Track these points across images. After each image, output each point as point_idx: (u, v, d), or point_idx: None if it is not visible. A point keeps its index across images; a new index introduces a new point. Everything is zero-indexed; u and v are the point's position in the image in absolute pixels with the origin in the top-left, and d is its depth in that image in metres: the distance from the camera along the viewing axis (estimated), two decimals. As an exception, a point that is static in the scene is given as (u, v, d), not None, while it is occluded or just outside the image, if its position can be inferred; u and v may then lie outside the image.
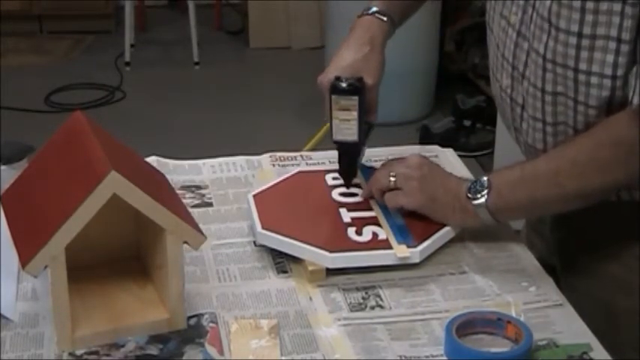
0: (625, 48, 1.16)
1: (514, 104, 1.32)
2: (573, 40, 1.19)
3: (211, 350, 1.09)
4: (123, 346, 1.10)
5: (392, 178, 1.31)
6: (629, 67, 1.17)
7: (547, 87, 1.25)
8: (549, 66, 1.23)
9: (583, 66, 1.19)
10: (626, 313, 1.29)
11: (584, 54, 1.19)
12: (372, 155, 1.57)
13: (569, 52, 1.20)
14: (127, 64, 4.81)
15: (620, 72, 1.17)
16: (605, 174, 1.20)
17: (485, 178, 1.26)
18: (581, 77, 1.20)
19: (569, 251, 1.38)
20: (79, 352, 1.09)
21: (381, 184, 1.33)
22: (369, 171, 1.47)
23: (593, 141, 1.20)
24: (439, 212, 1.29)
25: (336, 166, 1.53)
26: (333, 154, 1.60)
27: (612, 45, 1.16)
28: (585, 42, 1.18)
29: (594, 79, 1.19)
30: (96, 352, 1.09)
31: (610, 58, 1.17)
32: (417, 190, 1.29)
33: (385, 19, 1.43)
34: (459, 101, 3.96)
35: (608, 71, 1.18)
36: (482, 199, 1.24)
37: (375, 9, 1.44)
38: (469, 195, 1.26)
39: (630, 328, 1.29)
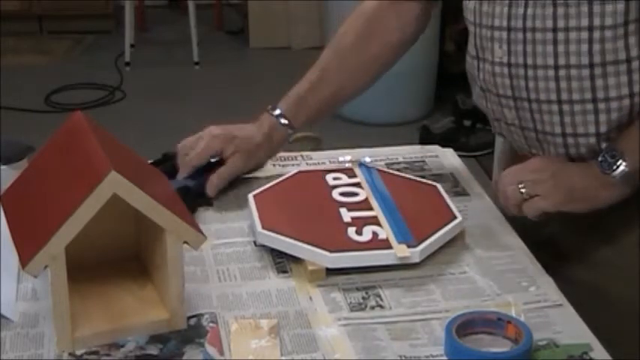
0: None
1: (514, 68, 1.30)
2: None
3: (211, 350, 1.09)
4: (123, 346, 1.10)
5: (522, 190, 1.29)
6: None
7: (559, 24, 1.24)
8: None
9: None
10: (626, 302, 1.29)
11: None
12: (373, 155, 1.57)
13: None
14: (127, 64, 4.81)
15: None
16: None
17: (610, 148, 1.24)
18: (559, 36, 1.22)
19: (568, 238, 1.38)
20: (79, 352, 1.09)
21: (515, 199, 1.30)
22: (370, 171, 1.47)
23: None
24: (584, 201, 1.27)
25: (337, 166, 1.53)
26: (333, 154, 1.61)
27: None
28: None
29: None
30: (96, 352, 1.09)
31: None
32: (552, 189, 1.27)
33: (286, 122, 1.49)
34: (459, 101, 3.96)
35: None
36: (622, 167, 1.23)
37: (278, 112, 1.51)
38: (606, 171, 1.24)
39: (630, 318, 1.29)
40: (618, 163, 1.23)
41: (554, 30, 1.24)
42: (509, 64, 1.30)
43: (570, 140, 1.29)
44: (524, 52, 1.27)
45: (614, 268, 1.31)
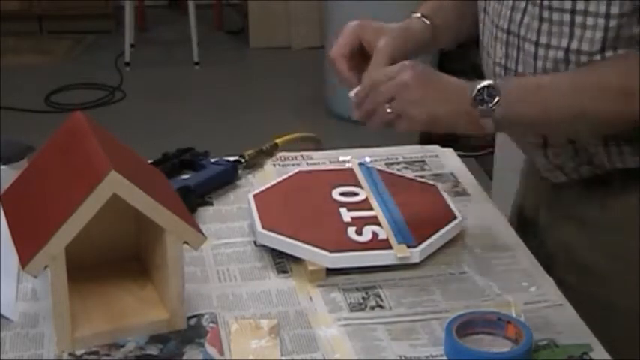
0: None
1: (509, 73, 1.30)
2: None
3: (211, 350, 1.09)
4: (123, 346, 1.10)
5: (388, 110, 1.23)
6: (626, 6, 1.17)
7: (542, 39, 1.24)
8: (546, 14, 1.22)
9: (580, 6, 1.19)
10: (626, 311, 1.29)
11: None
12: (373, 155, 1.57)
13: None
14: (127, 64, 4.81)
15: (614, 10, 1.17)
16: (628, 103, 1.17)
17: (495, 83, 1.19)
18: (578, 19, 1.20)
19: (567, 246, 1.38)
20: (79, 352, 1.09)
21: (380, 117, 1.25)
22: (370, 171, 1.47)
23: (625, 67, 1.18)
24: (444, 125, 1.25)
25: (337, 166, 1.54)
26: (333, 154, 1.61)
27: None
28: None
29: (589, 20, 1.19)
30: (96, 352, 1.09)
31: None
32: (418, 114, 1.22)
33: (427, 22, 1.40)
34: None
35: (602, 9, 1.17)
36: (495, 109, 1.19)
37: (417, 15, 1.41)
38: (477, 99, 1.19)
39: (630, 327, 1.29)
40: (492, 103, 1.18)
41: (537, 44, 1.24)
42: (505, 67, 1.30)
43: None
44: (516, 58, 1.28)
45: (613, 275, 1.31)
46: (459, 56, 4.24)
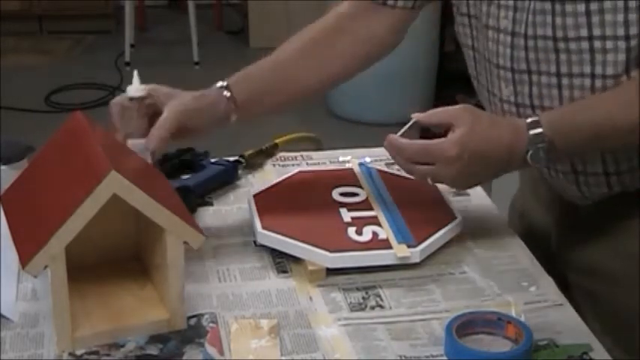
0: (633, 4, 1.14)
1: (521, 109, 1.29)
2: (581, 6, 1.17)
3: (211, 350, 1.09)
4: (123, 346, 1.10)
5: (429, 179, 1.24)
6: None
7: (562, 69, 1.22)
8: (562, 45, 1.21)
9: (597, 31, 1.18)
10: (627, 310, 1.29)
11: (595, 18, 1.17)
12: (373, 155, 1.57)
13: (579, 21, 1.18)
14: (127, 64, 4.81)
15: (633, 31, 1.16)
16: None
17: (549, 138, 1.18)
18: (597, 44, 1.18)
19: (570, 248, 1.38)
20: (79, 352, 1.09)
21: (419, 177, 1.24)
22: (370, 171, 1.47)
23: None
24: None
25: (337, 166, 1.54)
26: (333, 154, 1.61)
27: (620, 3, 1.15)
28: (594, 5, 1.16)
29: (609, 44, 1.18)
30: (96, 352, 1.09)
31: (620, 17, 1.15)
32: (458, 178, 1.23)
33: (227, 93, 1.38)
34: (459, 101, 3.96)
35: (621, 32, 1.16)
36: (541, 163, 1.20)
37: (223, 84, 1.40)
38: (534, 162, 1.20)
39: (630, 327, 1.29)
40: (551, 154, 1.19)
41: (558, 75, 1.22)
42: (516, 104, 1.29)
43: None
44: (529, 93, 1.26)
45: (613, 276, 1.31)
46: (460, 57, 4.25)
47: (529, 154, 1.19)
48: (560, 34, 1.20)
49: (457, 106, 1.24)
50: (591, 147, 1.23)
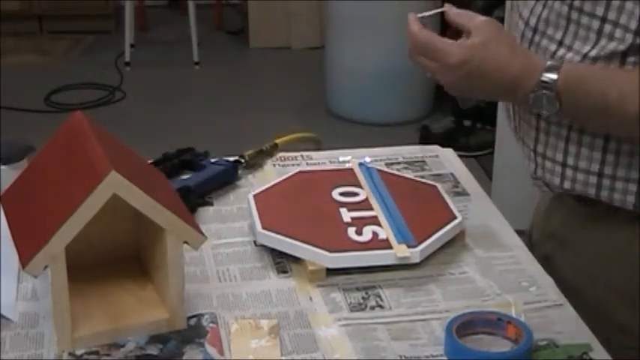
0: None
1: None
2: None
3: (211, 350, 1.09)
4: (123, 346, 1.10)
5: (428, 73, 1.22)
6: None
7: (566, 40, 1.20)
8: (574, 15, 1.18)
9: (612, 15, 1.15)
10: (628, 323, 1.28)
11: (615, 1, 1.14)
12: (373, 155, 1.57)
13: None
14: (127, 64, 4.81)
15: None
16: None
17: (557, 87, 1.14)
18: (606, 28, 1.16)
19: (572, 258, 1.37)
20: (79, 352, 1.09)
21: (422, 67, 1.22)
22: (370, 171, 1.47)
23: None
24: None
25: (337, 166, 1.54)
26: (333, 154, 1.61)
27: None
28: None
29: (618, 32, 1.16)
30: (96, 352, 1.09)
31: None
32: (458, 82, 1.21)
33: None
34: (459, 101, 3.96)
35: (634, 25, 1.14)
36: (542, 111, 1.17)
37: None
38: (533, 108, 1.17)
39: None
40: (551, 107, 1.16)
41: (560, 43, 1.21)
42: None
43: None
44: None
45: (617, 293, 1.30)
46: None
47: (532, 95, 1.16)
48: (577, 3, 1.18)
49: (485, 18, 1.21)
50: (593, 119, 1.18)
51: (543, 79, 1.16)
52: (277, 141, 1.61)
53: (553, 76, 1.15)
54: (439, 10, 1.23)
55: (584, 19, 1.18)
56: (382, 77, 4.06)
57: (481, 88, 1.21)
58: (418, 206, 1.37)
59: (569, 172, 1.25)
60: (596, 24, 1.17)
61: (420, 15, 1.22)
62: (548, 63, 1.17)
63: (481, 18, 1.21)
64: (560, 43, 1.21)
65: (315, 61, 4.53)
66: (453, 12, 1.24)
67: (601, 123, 1.19)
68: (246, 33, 5.20)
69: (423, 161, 1.60)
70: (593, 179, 1.23)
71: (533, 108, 1.18)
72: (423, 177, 1.51)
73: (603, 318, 1.25)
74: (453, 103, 4.06)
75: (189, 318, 1.15)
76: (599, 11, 1.16)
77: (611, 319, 1.27)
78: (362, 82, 4.11)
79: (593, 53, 1.18)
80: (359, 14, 3.96)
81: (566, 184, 1.26)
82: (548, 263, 1.32)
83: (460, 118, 3.93)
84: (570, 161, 1.25)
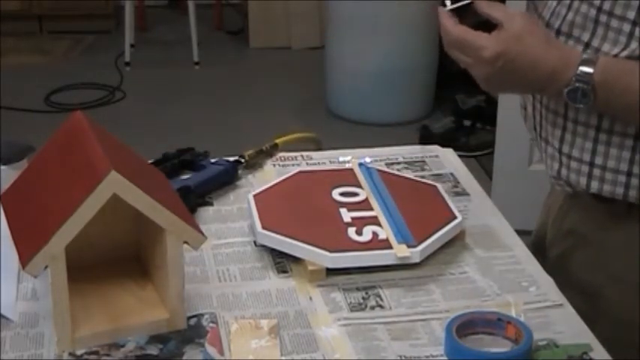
0: None
1: None
2: None
3: (211, 350, 1.09)
4: (123, 346, 1.10)
5: (461, 64, 1.21)
6: None
7: (594, 42, 1.19)
8: (604, 18, 1.17)
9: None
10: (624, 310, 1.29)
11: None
12: (373, 155, 1.57)
13: (632, 2, 1.14)
14: (127, 64, 4.81)
15: None
16: None
17: (593, 81, 1.14)
18: (637, 31, 1.16)
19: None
20: (79, 352, 1.09)
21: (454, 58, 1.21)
22: (370, 171, 1.47)
23: None
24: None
25: (337, 166, 1.54)
26: (333, 154, 1.61)
27: None
28: None
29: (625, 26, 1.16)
30: (96, 352, 1.09)
31: None
32: (489, 80, 1.20)
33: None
34: (459, 101, 3.97)
35: None
36: (586, 104, 1.16)
37: None
38: (569, 100, 1.16)
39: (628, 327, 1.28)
40: (586, 100, 1.16)
41: (588, 45, 1.20)
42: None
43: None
44: None
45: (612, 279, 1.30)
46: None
47: (567, 88, 1.15)
48: (607, 6, 1.17)
49: (518, 10, 1.20)
50: (627, 114, 1.18)
51: (579, 72, 1.15)
52: (277, 141, 1.61)
53: (589, 69, 1.15)
54: (467, 1, 1.21)
55: (614, 22, 1.17)
56: (382, 77, 4.06)
57: (515, 82, 1.20)
58: (418, 206, 1.37)
59: (597, 172, 1.25)
60: (627, 27, 1.16)
61: (448, 8, 1.20)
62: (584, 56, 1.16)
63: (512, 9, 1.19)
64: (587, 45, 1.20)
65: (315, 61, 4.53)
66: (482, 3, 1.22)
67: (634, 118, 1.18)
68: (246, 33, 5.20)
69: (423, 161, 1.60)
70: (622, 178, 1.23)
71: (568, 100, 1.17)
72: (423, 177, 1.51)
73: (623, 316, 1.25)
74: (453, 103, 4.07)
75: (189, 318, 1.15)
76: (631, 15, 1.15)
77: (631, 317, 1.27)
78: (362, 82, 4.10)
79: (622, 56, 1.17)
80: (359, 14, 3.97)
81: (594, 185, 1.26)
82: (564, 261, 1.32)
83: (460, 118, 3.93)
84: (599, 161, 1.24)
